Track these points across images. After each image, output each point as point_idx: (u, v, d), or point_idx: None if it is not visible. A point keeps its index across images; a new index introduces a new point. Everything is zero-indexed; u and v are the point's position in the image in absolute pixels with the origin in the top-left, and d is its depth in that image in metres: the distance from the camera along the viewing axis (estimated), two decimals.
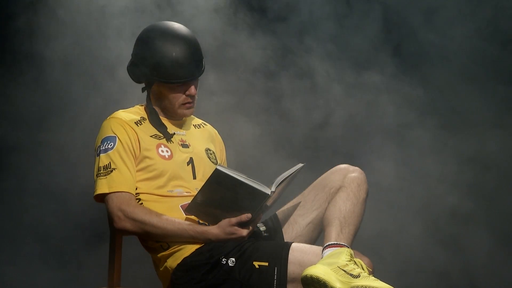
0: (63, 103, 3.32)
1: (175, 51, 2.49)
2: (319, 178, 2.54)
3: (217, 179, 2.30)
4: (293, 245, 2.33)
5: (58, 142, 3.29)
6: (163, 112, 2.59)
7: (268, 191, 2.29)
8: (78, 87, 3.32)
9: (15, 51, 3.27)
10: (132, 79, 2.57)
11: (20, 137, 3.26)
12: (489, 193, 3.59)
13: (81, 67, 3.32)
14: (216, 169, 2.29)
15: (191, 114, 2.61)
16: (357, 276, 2.17)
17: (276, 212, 2.58)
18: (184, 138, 2.59)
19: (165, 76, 2.50)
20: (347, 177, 2.47)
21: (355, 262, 2.24)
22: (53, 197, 3.21)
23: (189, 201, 2.38)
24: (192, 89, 2.54)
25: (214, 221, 2.38)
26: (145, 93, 2.60)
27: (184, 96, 2.54)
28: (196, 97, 2.57)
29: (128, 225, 2.39)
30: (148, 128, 2.53)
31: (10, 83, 3.28)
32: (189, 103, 2.55)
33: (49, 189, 3.21)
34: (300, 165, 2.44)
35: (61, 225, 3.20)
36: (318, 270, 2.18)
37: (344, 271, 2.18)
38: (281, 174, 2.39)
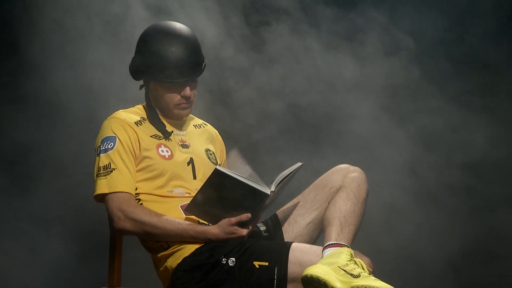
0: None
1: (171, 51, 2.49)
2: (319, 178, 2.54)
3: (216, 179, 2.30)
4: (293, 245, 2.33)
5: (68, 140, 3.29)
6: (162, 111, 2.59)
7: (267, 190, 2.29)
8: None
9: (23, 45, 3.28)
10: (131, 76, 2.57)
11: (33, 134, 3.25)
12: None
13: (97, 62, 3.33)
14: (216, 169, 2.29)
15: (188, 115, 2.60)
16: (357, 276, 2.17)
17: (276, 212, 2.58)
18: (184, 138, 2.59)
19: (160, 76, 2.49)
20: (347, 177, 2.47)
21: (355, 262, 2.24)
22: (54, 196, 3.21)
23: (187, 205, 2.39)
24: (187, 91, 2.53)
25: (214, 220, 2.38)
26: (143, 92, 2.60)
27: (179, 97, 2.54)
28: (193, 98, 2.56)
29: (128, 225, 2.39)
30: (148, 128, 2.53)
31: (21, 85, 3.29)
32: (184, 103, 2.55)
33: (49, 188, 3.21)
34: (299, 164, 2.44)
35: (61, 224, 3.20)
36: (318, 270, 2.18)
37: (344, 271, 2.18)
38: (280, 173, 2.39)
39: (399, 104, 3.65)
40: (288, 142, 3.58)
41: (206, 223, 2.41)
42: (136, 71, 2.54)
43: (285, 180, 2.37)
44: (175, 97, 2.53)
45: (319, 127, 3.62)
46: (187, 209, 2.39)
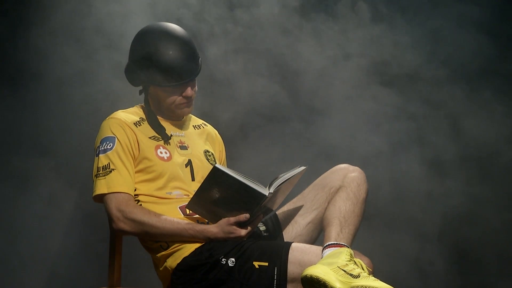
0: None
1: (168, 54, 2.48)
2: (319, 178, 2.54)
3: (215, 177, 2.30)
4: (293, 245, 2.33)
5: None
6: (162, 113, 2.58)
7: (266, 192, 2.29)
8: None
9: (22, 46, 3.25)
10: (129, 82, 2.56)
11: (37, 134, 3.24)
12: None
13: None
14: (214, 167, 2.29)
15: (190, 113, 2.60)
16: (357, 276, 2.17)
17: (276, 212, 2.58)
18: (183, 139, 2.59)
19: (160, 79, 2.49)
20: (347, 176, 2.47)
21: (355, 262, 2.23)
22: (54, 195, 3.20)
23: (187, 202, 2.39)
24: (188, 91, 2.53)
25: (214, 219, 2.38)
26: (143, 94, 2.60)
27: (180, 97, 2.54)
28: (194, 96, 2.56)
29: (127, 225, 2.39)
30: (147, 130, 2.53)
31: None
32: (185, 103, 2.55)
33: (49, 188, 3.20)
34: (302, 168, 2.44)
35: (61, 224, 3.20)
36: (318, 270, 2.17)
37: (344, 271, 2.18)
38: (280, 174, 2.38)
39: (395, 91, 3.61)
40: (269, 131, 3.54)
41: (206, 221, 2.42)
42: (134, 77, 2.53)
43: (285, 183, 2.37)
44: (176, 98, 2.54)
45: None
46: (188, 206, 2.39)
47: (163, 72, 2.48)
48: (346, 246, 2.30)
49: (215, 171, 2.29)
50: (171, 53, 2.48)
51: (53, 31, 3.23)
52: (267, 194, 2.29)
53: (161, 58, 2.48)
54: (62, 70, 3.24)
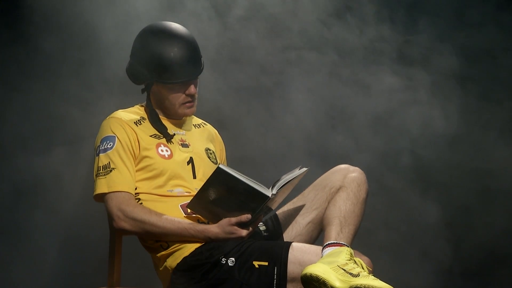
0: None
1: (173, 52, 2.49)
2: (319, 178, 2.55)
3: (218, 178, 2.30)
4: (293, 244, 2.33)
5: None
6: (165, 112, 2.59)
7: (269, 193, 2.30)
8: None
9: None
10: (131, 80, 2.57)
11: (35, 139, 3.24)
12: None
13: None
14: (218, 168, 2.30)
15: (192, 114, 2.61)
16: (357, 275, 2.17)
17: (276, 212, 2.59)
18: (184, 137, 2.59)
19: (164, 77, 2.50)
20: (347, 177, 2.48)
21: (354, 261, 2.24)
22: (53, 196, 3.21)
23: (189, 201, 2.39)
24: (192, 89, 2.54)
25: (215, 219, 2.39)
26: (145, 93, 2.60)
27: (184, 95, 2.55)
28: (196, 95, 2.58)
29: (127, 224, 2.40)
30: (147, 128, 2.54)
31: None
32: (189, 102, 2.56)
33: (49, 188, 3.21)
34: (304, 169, 2.44)
35: (61, 224, 3.20)
36: (317, 269, 2.18)
37: (344, 270, 2.18)
38: (282, 175, 2.39)
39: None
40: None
41: (206, 221, 2.42)
42: (137, 75, 2.54)
43: (287, 184, 2.37)
44: (180, 96, 2.54)
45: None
46: (189, 205, 2.39)
47: (169, 69, 2.49)
48: (346, 245, 2.31)
49: (218, 172, 2.30)
50: (176, 50, 2.50)
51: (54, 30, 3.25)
52: (270, 196, 2.29)
53: (168, 55, 2.49)
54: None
